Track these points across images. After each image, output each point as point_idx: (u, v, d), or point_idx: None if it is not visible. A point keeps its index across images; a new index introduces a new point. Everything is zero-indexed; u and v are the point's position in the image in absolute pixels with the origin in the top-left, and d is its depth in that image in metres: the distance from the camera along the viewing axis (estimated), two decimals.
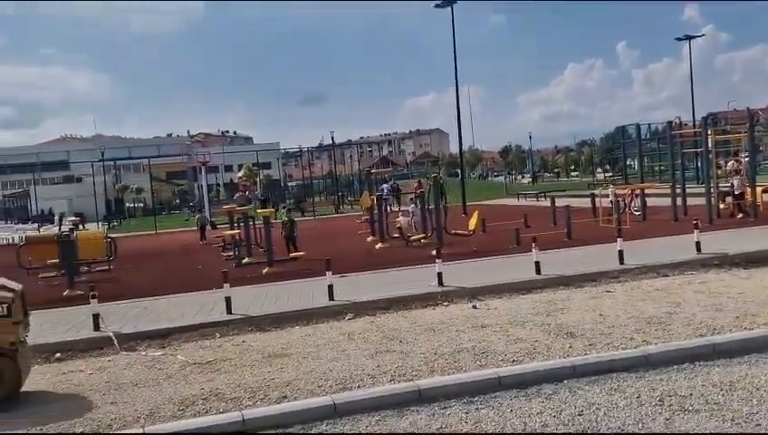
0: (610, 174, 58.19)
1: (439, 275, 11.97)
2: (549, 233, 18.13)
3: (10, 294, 7.23)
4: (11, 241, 35.82)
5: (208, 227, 30.82)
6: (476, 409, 6.12)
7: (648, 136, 35.05)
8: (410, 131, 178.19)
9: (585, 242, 16.79)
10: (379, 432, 5.57)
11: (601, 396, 6.24)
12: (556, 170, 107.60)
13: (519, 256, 14.85)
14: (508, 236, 17.87)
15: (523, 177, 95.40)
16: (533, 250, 12.65)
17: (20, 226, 54.91)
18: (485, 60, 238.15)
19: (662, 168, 33.45)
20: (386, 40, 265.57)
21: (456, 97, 34.47)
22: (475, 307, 10.60)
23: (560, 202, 24.27)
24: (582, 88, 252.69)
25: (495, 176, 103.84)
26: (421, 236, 18.87)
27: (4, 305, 7.10)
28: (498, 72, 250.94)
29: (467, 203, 32.81)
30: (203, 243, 27.47)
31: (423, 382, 6.72)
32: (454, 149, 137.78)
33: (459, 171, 56.39)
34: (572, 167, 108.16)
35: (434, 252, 13.30)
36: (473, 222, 18.51)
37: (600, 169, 75.42)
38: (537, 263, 12.46)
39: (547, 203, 29.89)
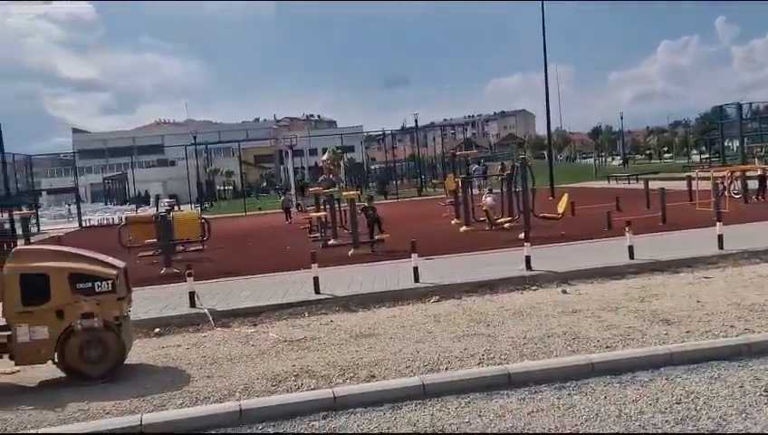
0: (707, 156, 55.63)
1: (527, 258, 11.78)
2: (642, 217, 17.54)
3: (114, 272, 7.57)
4: (111, 221, 37.64)
5: (294, 209, 31.51)
6: (568, 394, 6.01)
7: (748, 116, 33.26)
8: (495, 113, 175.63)
9: (681, 226, 16.17)
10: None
11: (701, 385, 6.01)
12: (648, 152, 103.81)
13: (610, 241, 14.44)
14: (599, 220, 17.39)
15: (613, 159, 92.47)
16: (627, 234, 12.27)
17: (118, 207, 57.63)
18: (574, 38, 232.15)
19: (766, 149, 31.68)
20: (470, 20, 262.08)
21: (544, 76, 33.70)
22: (564, 292, 10.39)
23: (653, 185, 23.43)
24: (676, 66, 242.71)
25: (584, 158, 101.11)
26: (507, 219, 18.62)
27: (109, 282, 7.44)
28: (587, 51, 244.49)
29: (555, 186, 32.13)
30: (288, 223, 28.33)
31: (513, 366, 6.65)
32: (540, 130, 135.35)
33: (546, 153, 55.26)
34: (665, 148, 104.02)
35: (521, 235, 13.12)
36: (562, 205, 18.10)
37: (695, 151, 72.25)
38: (630, 247, 12.07)
39: (639, 186, 28.94)
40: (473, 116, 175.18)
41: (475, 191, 22.52)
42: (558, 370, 6.53)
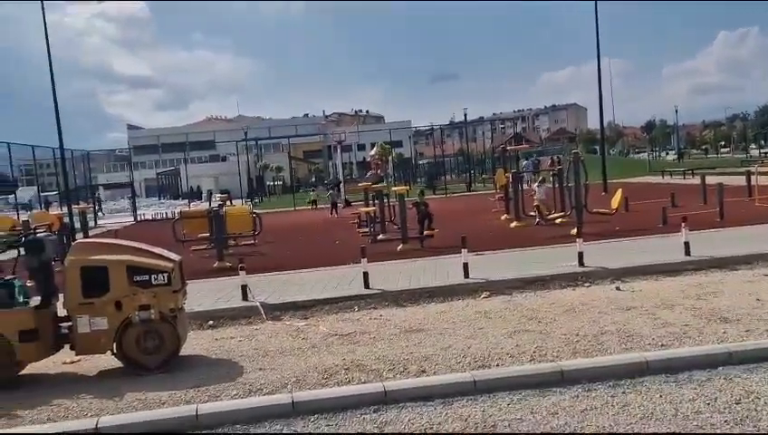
0: (766, 150, 53.91)
1: (580, 254, 11.61)
2: (698, 212, 17.12)
3: (170, 265, 7.74)
4: (164, 216, 38.46)
5: (341, 204, 32.12)
6: (623, 393, 5.91)
7: None
8: (545, 107, 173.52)
9: (739, 222, 15.71)
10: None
11: (762, 385, 5.84)
12: (704, 147, 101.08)
13: (666, 237, 14.13)
14: (653, 216, 17.03)
15: (667, 153, 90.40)
16: (682, 230, 11.98)
17: (171, 201, 58.81)
18: (627, 30, 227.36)
19: None
20: (520, 13, 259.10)
21: (597, 70, 33.05)
22: (618, 289, 10.21)
23: (710, 180, 22.83)
24: (734, 58, 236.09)
25: (637, 153, 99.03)
26: (559, 214, 18.38)
27: (165, 275, 7.60)
28: (641, 44, 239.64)
29: (608, 181, 31.58)
30: (334, 217, 28.98)
31: (566, 363, 6.57)
32: (591, 124, 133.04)
33: (598, 148, 54.34)
34: (722, 143, 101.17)
35: (573, 231, 12.96)
36: (615, 200, 17.79)
37: (754, 145, 70.06)
38: (686, 243, 11.78)
39: (695, 181, 28.23)
40: (523, 110, 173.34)
41: (525, 187, 22.31)
42: (612, 368, 6.42)
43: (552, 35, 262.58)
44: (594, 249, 12.70)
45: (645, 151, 77.12)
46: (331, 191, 35.29)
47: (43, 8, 29.20)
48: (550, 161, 28.67)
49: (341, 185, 41.29)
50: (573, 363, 6.62)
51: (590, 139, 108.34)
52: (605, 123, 39.51)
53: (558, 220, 18.15)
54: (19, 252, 7.99)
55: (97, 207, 43.53)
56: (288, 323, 9.73)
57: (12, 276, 7.85)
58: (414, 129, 80.00)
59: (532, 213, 19.48)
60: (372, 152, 62.70)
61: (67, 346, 7.79)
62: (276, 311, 10.31)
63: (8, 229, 19.16)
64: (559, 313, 8.98)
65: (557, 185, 20.26)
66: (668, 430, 5.12)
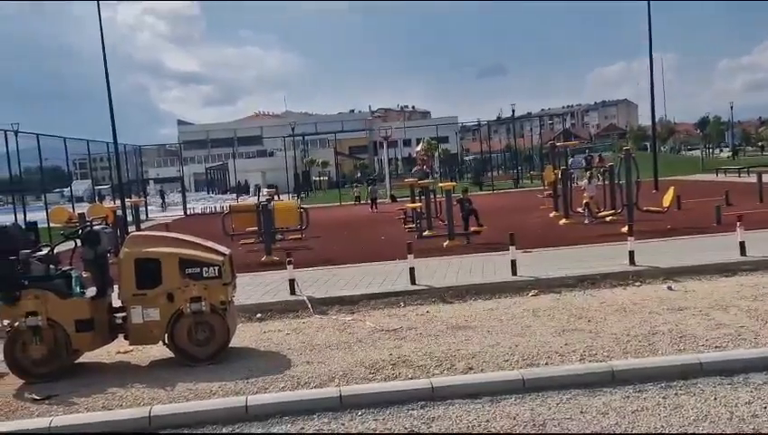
0: None
1: (631, 253, 11.40)
2: (755, 211, 16.66)
3: (220, 258, 7.85)
4: (213, 210, 39.08)
5: (380, 200, 32.97)
6: (675, 394, 5.79)
7: None
8: (595, 103, 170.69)
9: None
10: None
11: None
12: (760, 144, 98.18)
13: (720, 236, 13.80)
14: (706, 215, 16.64)
15: (721, 151, 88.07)
16: (738, 229, 11.66)
17: (219, 196, 59.74)
18: (681, 25, 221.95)
19: None
20: (570, 6, 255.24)
21: (649, 65, 32.36)
22: (670, 288, 10.00)
23: (766, 178, 22.15)
24: None
25: (689, 150, 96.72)
26: (610, 212, 18.08)
27: (216, 268, 7.71)
28: (694, 38, 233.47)
29: (659, 178, 30.93)
30: (374, 212, 30.11)
31: (617, 363, 6.46)
32: (642, 121, 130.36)
33: (649, 145, 53.20)
34: None
35: (623, 229, 12.73)
36: (667, 198, 17.40)
37: None
38: (742, 243, 11.47)
39: (750, 180, 27.44)
40: (572, 106, 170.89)
41: (574, 184, 22.04)
42: (664, 368, 6.29)
43: (603, 29, 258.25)
44: (645, 248, 12.47)
45: (698, 148, 75.29)
46: (371, 187, 35.64)
47: (98, 6, 29.87)
48: (598, 158, 28.18)
49: (385, 180, 41.39)
50: (624, 363, 6.50)
51: (640, 135, 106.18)
52: (656, 119, 38.70)
53: (608, 218, 17.85)
54: (76, 243, 8.19)
55: (161, 201, 44.53)
56: (335, 317, 9.78)
57: (69, 267, 8.08)
58: (460, 124, 79.45)
59: (580, 209, 19.21)
60: (418, 148, 62.75)
61: (121, 336, 7.98)
62: (323, 305, 10.38)
63: (65, 221, 19.74)
64: (609, 312, 8.84)
65: (607, 182, 19.92)
66: (723, 433, 4.99)
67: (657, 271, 10.93)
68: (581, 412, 5.54)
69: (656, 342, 7.30)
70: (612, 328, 8.00)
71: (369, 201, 32.93)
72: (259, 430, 5.61)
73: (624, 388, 6.00)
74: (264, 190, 30.43)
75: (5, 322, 7.50)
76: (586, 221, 18.50)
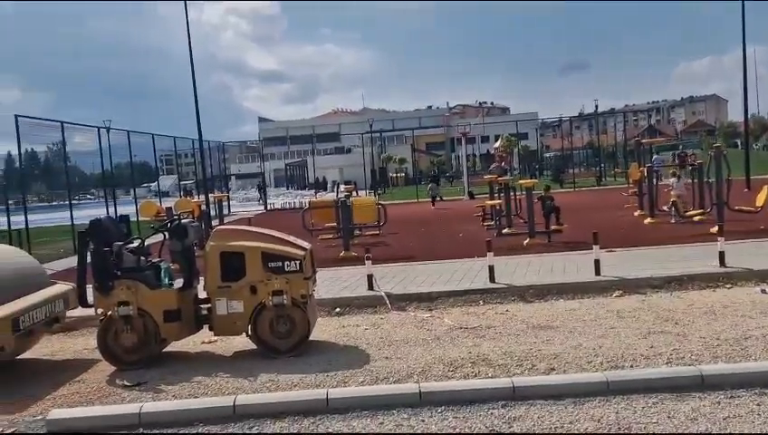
0: None
1: (721, 254, 10.95)
2: None
3: (301, 253, 7.98)
4: (292, 205, 39.78)
5: (439, 198, 33.79)
6: None
7: None
8: (681, 98, 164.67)
9: None
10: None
11: None
12: None
13: None
14: None
15: None
16: None
17: (298, 192, 60.72)
18: None
19: None
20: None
21: (742, 58, 30.93)
22: (764, 291, 9.55)
23: None
24: None
25: None
26: (698, 211, 17.40)
27: (297, 262, 7.84)
28: None
29: (751, 177, 29.55)
30: (432, 209, 30.78)
31: (707, 368, 6.21)
32: (732, 116, 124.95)
33: (740, 142, 50.89)
34: None
35: (713, 229, 12.23)
36: (761, 198, 16.57)
37: None
38: None
39: None
40: (657, 102, 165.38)
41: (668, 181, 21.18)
42: (759, 374, 6.00)
43: (691, 22, 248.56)
44: (736, 249, 11.94)
45: None
46: (430, 185, 35.99)
47: (186, 7, 30.80)
48: (683, 156, 27.12)
49: (462, 177, 41.23)
50: (715, 368, 6.25)
51: (730, 132, 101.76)
52: (748, 115, 36.98)
53: (696, 217, 17.19)
54: (165, 236, 8.48)
55: (261, 194, 45.21)
56: (413, 313, 9.79)
57: (158, 259, 8.38)
58: (540, 120, 78.08)
59: (666, 208, 18.57)
60: (497, 144, 61.95)
61: (206, 327, 8.22)
62: (401, 301, 10.40)
63: (153, 215, 20.51)
64: (697, 315, 8.52)
65: (695, 180, 19.17)
66: None
67: (750, 273, 10.45)
68: (669, 417, 5.36)
69: (748, 347, 6.99)
70: (701, 331, 7.71)
71: (430, 199, 33.59)
72: (339, 423, 5.67)
73: (714, 393, 5.76)
74: (342, 186, 30.77)
75: (99, 311, 7.84)
76: (673, 220, 17.87)
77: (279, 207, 41.67)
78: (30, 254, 10.63)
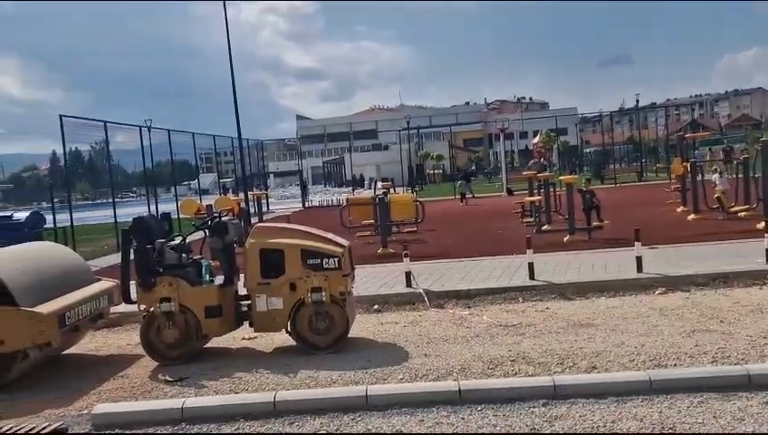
0: None
1: None
2: None
3: (340, 250, 8.00)
4: (330, 202, 39.99)
5: (469, 195, 34.18)
6: None
7: None
8: (726, 92, 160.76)
9: None
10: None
11: None
12: None
13: None
14: None
15: None
16: None
17: (336, 189, 61.01)
18: None
19: None
20: None
21: None
22: None
23: None
24: None
25: None
26: (744, 207, 17.01)
27: (336, 259, 7.87)
28: None
29: None
30: (464, 205, 31.68)
31: (754, 367, 6.06)
32: None
33: None
34: None
35: (759, 225, 11.95)
36: None
37: None
38: None
39: None
40: (700, 95, 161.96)
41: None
42: None
43: (735, 13, 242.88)
44: None
45: None
46: (461, 182, 36.20)
47: (225, 7, 31.10)
48: (724, 152, 26.49)
49: (501, 172, 41.02)
50: (762, 367, 6.10)
51: None
52: None
53: (741, 213, 16.81)
54: (205, 233, 8.58)
55: (303, 192, 45.38)
56: (451, 311, 9.75)
57: (199, 256, 8.48)
58: (580, 115, 77.01)
59: (714, 205, 18.17)
60: (535, 140, 61.38)
61: (246, 323, 8.30)
62: (439, 299, 10.37)
63: (193, 212, 20.80)
64: (743, 313, 8.33)
65: (740, 175, 18.74)
66: None
67: None
68: (714, 417, 5.25)
69: None
70: (747, 330, 7.53)
71: (460, 196, 33.95)
72: (378, 420, 5.68)
73: (762, 393, 5.62)
74: (380, 184, 30.84)
75: (142, 307, 7.98)
76: (721, 217, 17.47)
77: (317, 204, 41.91)
78: (75, 251, 10.86)
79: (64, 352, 8.58)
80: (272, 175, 73.09)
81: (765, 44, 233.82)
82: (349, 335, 8.13)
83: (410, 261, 11.42)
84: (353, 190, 47.38)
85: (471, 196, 34.49)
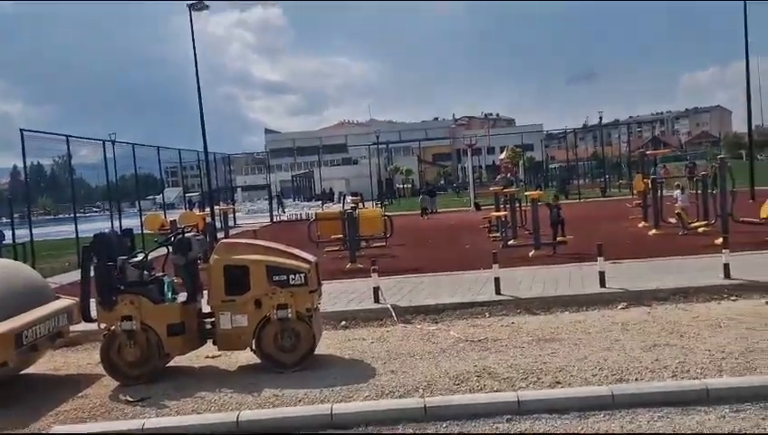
0: None
1: (726, 266, 10.89)
2: None
3: (307, 265, 7.97)
4: (299, 217, 39.80)
5: (432, 210, 35.12)
6: None
7: None
8: (686, 109, 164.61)
9: None
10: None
11: None
12: None
13: None
14: None
15: None
16: None
17: (305, 203, 60.75)
18: None
19: None
20: (660, 10, 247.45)
21: (745, 69, 30.97)
22: None
23: None
24: None
25: None
26: (703, 223, 17.35)
27: (302, 275, 7.83)
28: None
29: (756, 188, 29.45)
30: (425, 219, 32.32)
31: (712, 381, 6.18)
32: (736, 127, 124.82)
33: (743, 153, 50.71)
34: None
35: (718, 241, 12.17)
36: (766, 209, 16.53)
37: None
38: None
39: None
40: (661, 113, 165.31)
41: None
42: (764, 388, 6.00)
43: (694, 33, 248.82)
44: (741, 261, 11.85)
45: None
46: (422, 196, 37.01)
47: (191, 19, 30.94)
48: (689, 167, 27.09)
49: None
50: (720, 382, 6.23)
51: (735, 143, 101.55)
52: (753, 126, 36.92)
53: (701, 229, 17.15)
54: (168, 250, 8.48)
55: (279, 206, 45.33)
56: (419, 326, 9.77)
57: (162, 273, 8.38)
58: (545, 132, 78.04)
59: (672, 220, 18.51)
60: (502, 156, 61.86)
61: (210, 341, 8.20)
62: (407, 314, 10.38)
63: (157, 227, 20.53)
64: (702, 327, 8.48)
65: (699, 192, 19.13)
66: None
67: (755, 285, 10.40)
68: (674, 431, 5.33)
69: (753, 360, 6.95)
70: (706, 344, 7.67)
71: (421, 210, 34.43)
72: None
73: (720, 407, 5.74)
74: (349, 198, 30.83)
75: (103, 325, 7.84)
76: (681, 233, 17.78)
77: (285, 218, 41.68)
78: (34, 268, 10.66)
79: (22, 372, 8.38)
80: (239, 189, 72.44)
81: (723, 64, 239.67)
82: (315, 352, 8.07)
83: (379, 276, 11.41)
84: (323, 204, 47.23)
85: (433, 211, 34.84)
